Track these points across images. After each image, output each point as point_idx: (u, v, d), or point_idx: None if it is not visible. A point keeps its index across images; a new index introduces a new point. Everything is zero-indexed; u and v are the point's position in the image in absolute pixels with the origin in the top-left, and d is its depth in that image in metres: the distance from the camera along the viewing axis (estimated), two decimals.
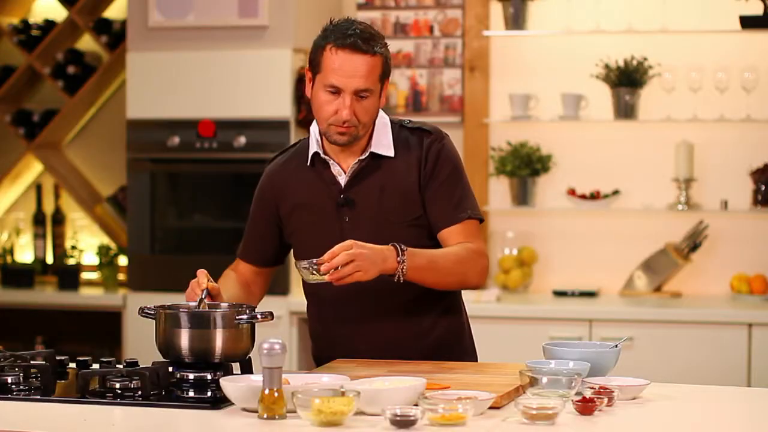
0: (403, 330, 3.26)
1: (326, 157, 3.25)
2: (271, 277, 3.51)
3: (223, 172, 5.49)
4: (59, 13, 6.04)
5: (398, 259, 3.05)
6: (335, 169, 3.25)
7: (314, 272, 2.99)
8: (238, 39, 5.37)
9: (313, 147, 3.27)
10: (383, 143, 3.24)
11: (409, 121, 3.32)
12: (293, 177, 3.31)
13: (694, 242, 5.38)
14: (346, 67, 3.12)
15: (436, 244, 3.24)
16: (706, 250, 5.44)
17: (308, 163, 3.28)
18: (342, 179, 3.24)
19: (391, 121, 3.30)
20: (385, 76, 3.18)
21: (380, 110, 3.27)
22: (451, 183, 3.25)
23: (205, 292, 3.05)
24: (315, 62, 3.18)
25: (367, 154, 3.23)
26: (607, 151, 5.59)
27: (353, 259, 2.96)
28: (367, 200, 3.23)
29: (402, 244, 3.07)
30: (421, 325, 3.27)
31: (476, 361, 3.37)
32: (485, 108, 5.63)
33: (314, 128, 3.28)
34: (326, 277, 2.98)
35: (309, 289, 3.35)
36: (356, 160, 3.23)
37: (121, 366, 2.97)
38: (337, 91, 3.13)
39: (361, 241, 3.06)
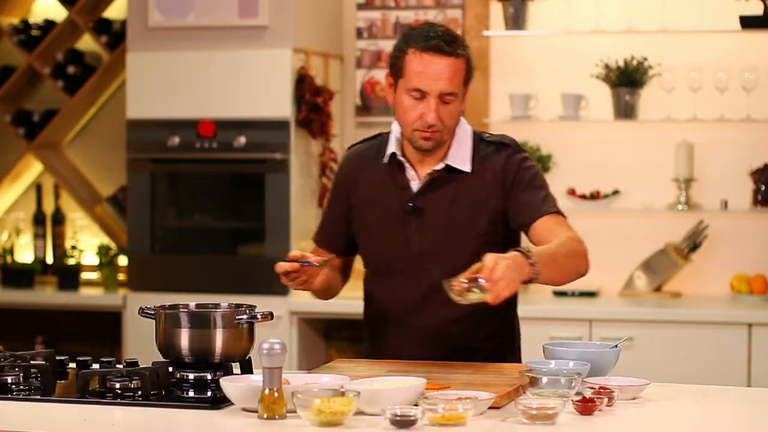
0: (452, 350, 3.21)
1: (403, 160, 3.20)
2: (351, 265, 3.42)
3: (223, 172, 5.49)
4: (59, 13, 6.04)
5: (530, 261, 2.85)
6: (410, 173, 3.20)
7: (475, 290, 2.78)
8: (238, 39, 5.37)
9: (392, 146, 3.22)
10: (460, 156, 3.18)
11: (489, 134, 3.25)
12: (368, 170, 3.26)
13: (694, 242, 5.38)
14: (431, 70, 3.06)
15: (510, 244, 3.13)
16: (706, 250, 5.44)
17: (385, 161, 3.23)
18: (414, 185, 3.19)
19: (473, 133, 3.23)
20: (468, 79, 3.13)
21: (462, 119, 3.22)
22: (535, 185, 3.16)
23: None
24: (397, 67, 3.12)
25: (442, 165, 3.17)
26: (607, 151, 5.58)
27: (504, 274, 2.76)
28: (436, 211, 3.17)
29: (523, 248, 2.89)
30: (470, 344, 3.22)
31: None
32: (485, 108, 5.63)
33: (396, 127, 3.23)
34: (487, 296, 2.77)
35: (373, 296, 3.30)
36: (431, 170, 3.17)
37: (121, 366, 2.97)
38: (421, 96, 3.08)
39: (425, 250, 3.09)
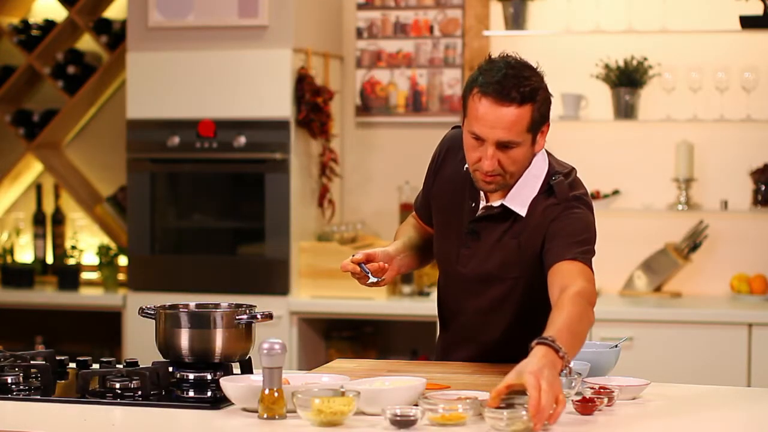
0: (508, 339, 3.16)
1: None
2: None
3: (223, 172, 5.49)
4: (59, 13, 6.04)
5: (560, 355, 2.60)
6: (481, 193, 3.09)
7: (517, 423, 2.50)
8: (238, 39, 5.37)
9: None
10: (519, 199, 3.03)
11: (555, 175, 3.05)
12: (455, 164, 3.16)
13: (694, 242, 5.38)
14: (489, 118, 2.88)
15: (530, 299, 3.08)
16: (706, 250, 5.43)
17: (464, 169, 3.09)
18: (480, 209, 3.09)
19: (548, 172, 3.05)
20: (536, 125, 2.93)
21: (540, 159, 3.04)
22: (566, 233, 2.99)
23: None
24: (464, 103, 2.96)
25: (498, 203, 3.05)
26: (607, 151, 5.58)
27: (550, 394, 2.50)
28: (487, 242, 3.09)
29: (548, 337, 2.63)
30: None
31: None
32: None
33: None
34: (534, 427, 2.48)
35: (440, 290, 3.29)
36: (489, 204, 3.06)
37: (121, 366, 2.97)
38: (480, 139, 2.92)
39: (471, 271, 3.06)
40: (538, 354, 2.59)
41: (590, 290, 2.92)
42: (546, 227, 3.02)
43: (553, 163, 3.11)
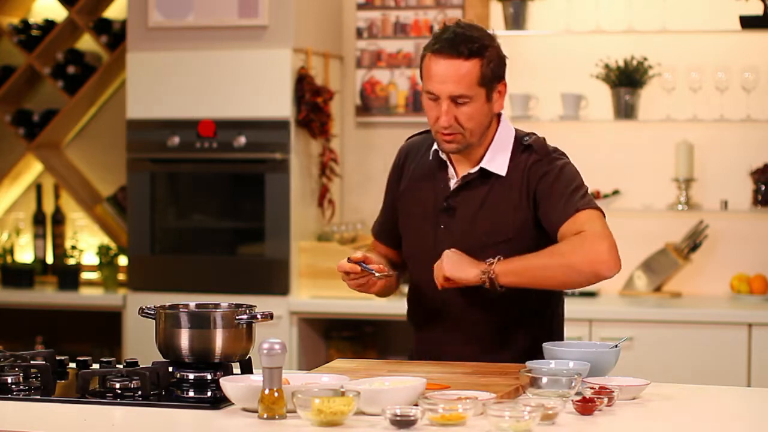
0: (495, 330, 3.20)
1: (444, 157, 3.20)
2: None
3: (223, 172, 5.49)
4: (59, 13, 6.04)
5: (486, 262, 3.02)
6: (450, 171, 3.20)
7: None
8: (238, 39, 5.37)
9: (437, 143, 3.19)
10: (497, 161, 3.15)
11: (528, 137, 3.19)
12: (416, 161, 3.27)
13: (694, 242, 5.38)
14: (439, 73, 3.05)
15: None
16: (706, 250, 5.44)
17: (430, 157, 3.23)
18: (453, 183, 3.19)
19: (516, 136, 3.19)
20: (487, 80, 3.07)
21: (505, 125, 3.18)
22: (559, 187, 3.10)
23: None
24: (420, 71, 3.14)
25: (476, 168, 3.16)
26: (607, 151, 5.58)
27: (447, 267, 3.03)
28: (466, 212, 3.16)
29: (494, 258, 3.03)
30: (515, 326, 3.21)
31: None
32: None
33: None
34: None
35: (413, 290, 3.31)
36: (466, 172, 3.17)
37: (121, 366, 2.97)
38: (436, 98, 3.07)
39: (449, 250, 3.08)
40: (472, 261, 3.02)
41: (592, 231, 3.02)
42: (536, 184, 3.12)
43: (519, 130, 3.24)
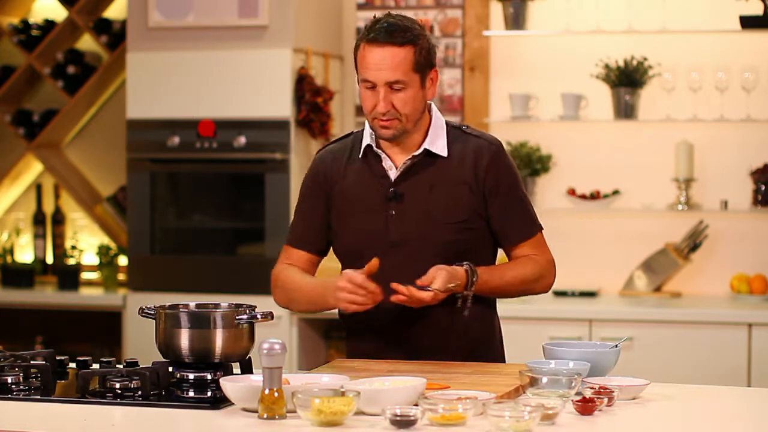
0: (434, 334, 3.22)
1: (378, 151, 3.25)
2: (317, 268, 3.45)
3: (223, 172, 5.49)
4: (59, 13, 6.04)
5: (464, 291, 3.15)
6: (386, 163, 3.25)
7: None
8: (238, 39, 5.37)
9: (367, 139, 3.27)
10: (438, 143, 3.24)
11: (468, 126, 3.32)
12: (344, 166, 3.31)
13: (694, 242, 5.38)
14: (374, 60, 3.14)
15: (484, 249, 3.27)
16: (706, 250, 5.44)
17: (360, 155, 3.28)
18: (393, 173, 3.24)
19: (448, 124, 3.29)
20: (420, 67, 3.16)
21: (436, 112, 3.28)
22: (516, 197, 3.27)
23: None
24: (355, 61, 3.22)
25: (420, 150, 3.23)
26: (607, 151, 5.58)
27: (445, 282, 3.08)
28: (416, 196, 3.22)
29: (475, 272, 3.15)
30: (453, 329, 3.23)
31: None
32: (485, 108, 5.63)
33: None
34: (426, 296, 3.06)
35: None
36: (410, 156, 3.23)
37: (121, 366, 2.97)
38: (372, 86, 3.15)
39: (405, 236, 3.15)
40: (458, 273, 3.11)
41: (547, 259, 3.33)
42: (489, 177, 3.23)
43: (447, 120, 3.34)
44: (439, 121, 3.28)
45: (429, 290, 3.05)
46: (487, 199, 3.23)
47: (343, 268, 3.29)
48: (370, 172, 3.26)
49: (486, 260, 3.27)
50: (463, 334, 3.24)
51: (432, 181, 3.22)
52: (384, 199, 3.23)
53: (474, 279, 3.15)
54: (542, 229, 3.33)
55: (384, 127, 3.18)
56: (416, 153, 3.23)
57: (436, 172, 3.23)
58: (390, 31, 3.14)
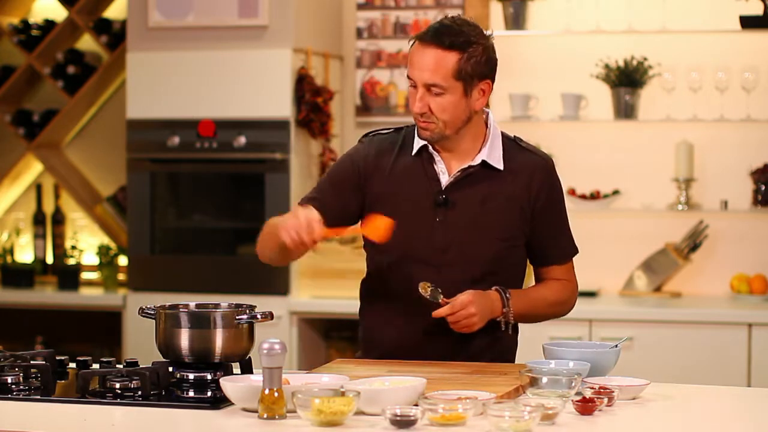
0: (450, 351, 3.20)
1: (434, 152, 3.19)
2: None
3: (223, 172, 5.49)
4: (59, 13, 6.04)
5: (504, 310, 3.14)
6: (439, 166, 3.19)
7: (435, 297, 3.09)
8: (238, 39, 5.37)
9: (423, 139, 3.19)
10: (495, 155, 3.18)
11: (521, 139, 3.27)
12: (391, 160, 3.22)
13: (694, 242, 5.38)
14: (416, 60, 3.08)
15: (517, 266, 3.25)
16: (706, 250, 5.44)
17: (413, 153, 3.21)
18: (444, 178, 3.18)
19: (504, 135, 3.24)
20: (465, 75, 3.07)
21: (494, 122, 3.22)
22: (561, 218, 3.27)
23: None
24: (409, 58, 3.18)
25: (478, 161, 3.17)
26: (607, 151, 5.59)
27: (473, 312, 3.07)
28: (467, 207, 3.17)
29: (506, 290, 3.15)
30: (470, 349, 3.21)
31: None
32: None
33: None
34: (443, 310, 3.07)
35: (378, 289, 3.29)
36: (466, 165, 3.17)
37: (121, 366, 2.97)
38: (414, 84, 3.10)
39: (448, 244, 3.11)
40: (490, 295, 3.11)
41: (574, 284, 3.33)
42: (542, 197, 3.21)
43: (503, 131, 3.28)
44: (496, 131, 3.22)
45: (448, 302, 3.07)
46: (535, 216, 3.20)
47: (370, 262, 3.27)
48: (423, 173, 3.19)
49: (517, 277, 3.25)
50: (476, 357, 3.22)
51: (485, 193, 3.17)
52: (433, 204, 3.17)
53: (507, 296, 3.14)
54: (578, 252, 3.32)
55: (422, 128, 3.13)
56: (473, 163, 3.17)
57: (490, 185, 3.17)
58: (440, 33, 3.06)
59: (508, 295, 3.13)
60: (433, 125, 3.10)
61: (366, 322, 3.34)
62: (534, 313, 3.25)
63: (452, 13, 5.61)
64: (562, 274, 3.28)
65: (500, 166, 3.18)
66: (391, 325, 3.24)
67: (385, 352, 3.24)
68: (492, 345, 3.23)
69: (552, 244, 3.25)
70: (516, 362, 3.28)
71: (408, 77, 3.12)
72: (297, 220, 2.96)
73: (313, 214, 2.99)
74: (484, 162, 3.17)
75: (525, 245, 3.24)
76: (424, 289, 3.09)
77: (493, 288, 3.14)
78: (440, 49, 3.05)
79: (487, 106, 3.25)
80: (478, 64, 3.09)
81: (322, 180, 3.33)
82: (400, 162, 3.22)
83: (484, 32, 3.14)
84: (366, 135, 3.33)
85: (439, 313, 3.07)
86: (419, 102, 3.08)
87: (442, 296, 3.09)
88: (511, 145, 3.23)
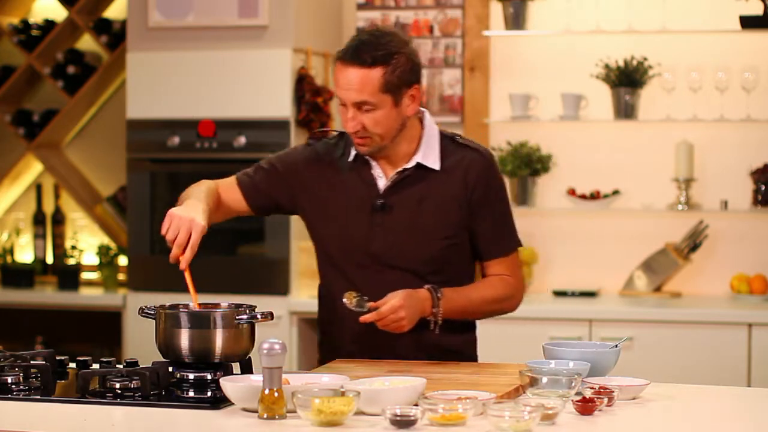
0: (411, 346, 3.22)
1: (369, 158, 3.21)
2: (229, 218, 3.41)
3: (223, 172, 5.45)
4: (59, 13, 6.04)
5: (433, 309, 3.13)
6: (376, 171, 3.21)
7: (361, 306, 3.08)
8: (238, 39, 5.37)
9: None
10: (430, 156, 3.20)
11: (459, 136, 3.27)
12: (329, 167, 3.25)
13: (694, 242, 5.38)
14: (342, 81, 3.08)
15: (463, 262, 3.26)
16: (706, 250, 5.43)
17: (350, 159, 3.23)
18: (381, 183, 3.20)
19: (441, 134, 3.24)
20: (392, 87, 3.08)
21: (430, 121, 3.23)
22: (501, 211, 3.26)
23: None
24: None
25: (413, 164, 3.19)
26: (607, 151, 5.59)
27: (402, 316, 3.06)
28: (404, 210, 3.18)
29: (438, 289, 3.13)
30: (430, 340, 3.22)
31: None
32: (485, 108, 5.63)
33: None
34: (369, 316, 3.07)
35: (326, 295, 3.31)
36: (401, 168, 3.19)
37: (121, 366, 2.97)
38: (345, 104, 3.10)
39: (388, 248, 3.11)
40: (420, 294, 3.10)
41: (519, 278, 3.30)
42: (479, 192, 3.19)
43: (441, 128, 3.27)
44: (431, 131, 3.22)
45: (373, 311, 3.07)
46: (473, 211, 3.21)
47: (319, 269, 3.31)
48: (359, 178, 3.22)
49: (465, 273, 3.27)
50: (434, 347, 3.23)
51: (422, 194, 3.19)
52: (370, 209, 3.20)
53: (438, 295, 3.13)
54: (521, 245, 3.31)
55: (359, 144, 3.14)
56: (407, 166, 3.19)
57: (427, 186, 3.19)
58: (359, 50, 3.06)
59: (439, 295, 3.13)
60: (369, 140, 3.12)
61: (321, 326, 3.38)
62: (471, 311, 3.23)
63: (452, 13, 5.62)
64: (503, 269, 3.27)
65: (436, 166, 3.19)
66: (343, 329, 3.26)
67: (344, 355, 3.26)
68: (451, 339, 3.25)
69: (491, 239, 3.25)
70: (514, 360, 3.28)
71: (338, 98, 3.11)
72: (183, 219, 3.11)
73: (199, 224, 3.11)
74: (419, 164, 3.19)
75: (470, 242, 3.25)
76: (349, 299, 3.10)
77: (425, 287, 3.14)
78: (362, 67, 3.05)
79: (422, 105, 3.26)
80: (403, 73, 3.10)
81: (264, 162, 3.36)
82: (339, 168, 3.25)
83: (404, 38, 3.15)
84: (313, 137, 3.37)
85: (366, 318, 3.08)
86: (352, 121, 3.09)
87: (368, 303, 3.09)
88: (448, 143, 3.23)
